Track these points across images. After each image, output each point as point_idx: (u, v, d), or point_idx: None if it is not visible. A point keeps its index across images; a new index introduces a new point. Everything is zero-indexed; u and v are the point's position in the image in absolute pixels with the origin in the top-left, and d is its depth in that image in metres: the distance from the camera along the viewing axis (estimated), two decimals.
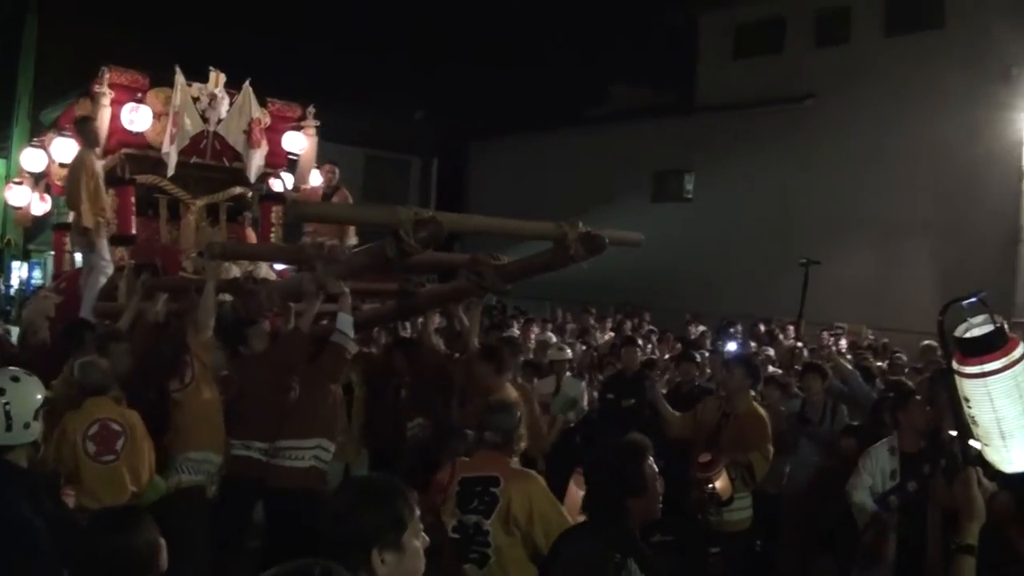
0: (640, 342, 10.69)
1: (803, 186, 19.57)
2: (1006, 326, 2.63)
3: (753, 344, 12.64)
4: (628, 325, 14.83)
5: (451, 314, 7.36)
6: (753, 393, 6.74)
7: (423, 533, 2.51)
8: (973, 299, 2.65)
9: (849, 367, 8.57)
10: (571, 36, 29.67)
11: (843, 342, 12.18)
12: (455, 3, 29.20)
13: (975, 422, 2.62)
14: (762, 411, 6.50)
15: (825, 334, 12.03)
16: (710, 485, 5.91)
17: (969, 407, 2.61)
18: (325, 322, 6.64)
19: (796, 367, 9.06)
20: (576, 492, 4.60)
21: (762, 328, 14.08)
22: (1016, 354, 2.57)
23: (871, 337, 13.98)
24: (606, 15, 28.25)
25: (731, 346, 12.09)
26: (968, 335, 2.61)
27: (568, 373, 9.36)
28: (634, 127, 23.92)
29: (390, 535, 2.39)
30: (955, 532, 2.66)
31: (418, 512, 2.51)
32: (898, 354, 11.12)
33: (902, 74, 18.44)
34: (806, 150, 19.62)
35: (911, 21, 19.27)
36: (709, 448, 6.16)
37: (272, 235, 10.34)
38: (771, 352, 11.12)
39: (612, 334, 14.18)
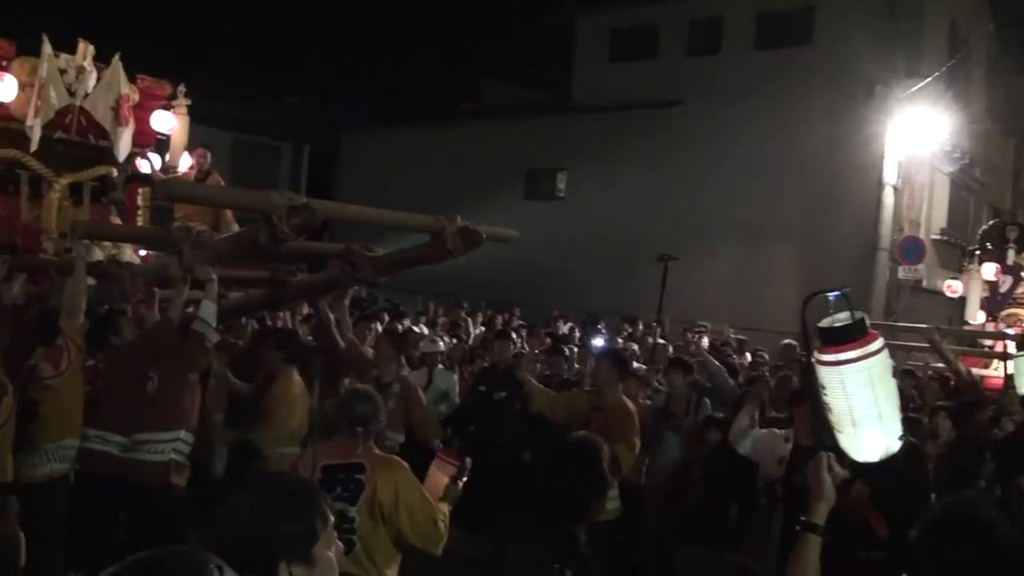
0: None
1: (671, 189, 19.99)
2: (867, 320, 2.72)
3: (619, 340, 12.90)
4: (499, 320, 14.90)
5: (317, 305, 7.25)
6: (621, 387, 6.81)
7: (337, 540, 2.37)
8: (837, 293, 2.73)
9: (715, 363, 8.79)
10: (448, 30, 29.62)
11: (705, 340, 12.50)
12: None
13: (830, 409, 2.71)
14: (630, 404, 6.54)
15: (689, 334, 12.38)
16: None
17: (825, 394, 2.70)
18: (191, 309, 6.32)
19: (659, 363, 9.27)
20: (437, 475, 4.56)
21: (627, 327, 14.37)
22: (872, 347, 2.66)
23: (732, 336, 14.40)
24: (484, 11, 28.30)
25: (597, 341, 12.28)
26: (824, 325, 2.71)
27: (440, 366, 9.34)
28: (509, 124, 24.05)
29: (300, 547, 2.22)
30: (803, 510, 2.74)
31: (332, 519, 2.35)
32: (760, 352, 11.46)
33: (770, 86, 19.04)
34: (675, 154, 20.03)
35: (780, 37, 20.03)
36: None
37: (138, 218, 9.88)
38: (635, 348, 11.36)
39: (483, 328, 14.21)
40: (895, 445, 2.77)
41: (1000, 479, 6.44)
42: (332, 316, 6.99)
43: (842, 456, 2.79)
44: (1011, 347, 8.84)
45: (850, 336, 2.66)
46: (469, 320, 14.54)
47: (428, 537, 4.28)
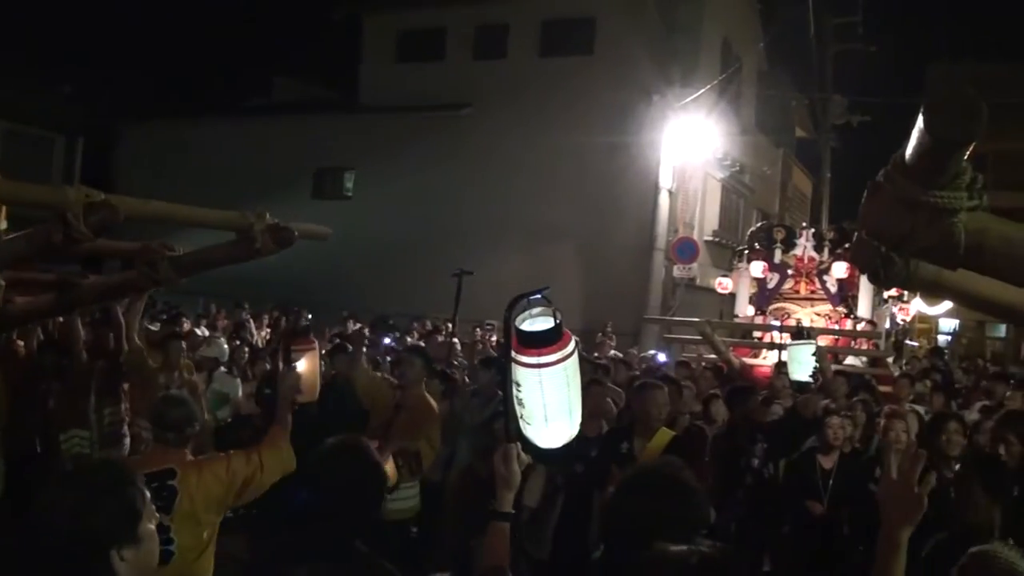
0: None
1: (460, 190, 20.18)
2: (561, 321, 2.78)
3: (409, 339, 12.89)
4: (284, 322, 14.53)
5: (110, 310, 6.85)
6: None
7: (154, 510, 2.27)
8: (537, 295, 2.79)
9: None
10: (235, 23, 28.76)
11: (494, 338, 12.71)
12: None
13: (522, 404, 2.79)
14: (432, 401, 6.52)
15: (478, 330, 12.57)
16: None
17: (519, 391, 2.78)
18: None
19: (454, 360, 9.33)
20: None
21: (415, 325, 14.39)
22: (568, 349, 2.76)
23: None
24: (272, 5, 27.64)
25: (387, 340, 12.23)
26: (529, 328, 2.75)
27: (222, 369, 9.04)
28: (296, 121, 23.63)
29: (127, 529, 2.12)
30: (494, 499, 2.88)
31: (147, 492, 2.24)
32: None
33: (554, 92, 19.58)
34: (463, 156, 20.24)
35: (564, 45, 20.68)
36: (380, 435, 6.13)
37: None
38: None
39: (268, 331, 13.83)
40: (575, 431, 2.88)
41: (770, 456, 6.87)
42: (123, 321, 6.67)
43: (527, 444, 2.90)
44: (786, 338, 9.48)
45: (550, 340, 2.72)
46: (252, 322, 14.13)
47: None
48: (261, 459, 4.39)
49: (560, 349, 2.74)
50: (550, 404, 2.77)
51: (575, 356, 2.81)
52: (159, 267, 5.47)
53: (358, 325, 14.69)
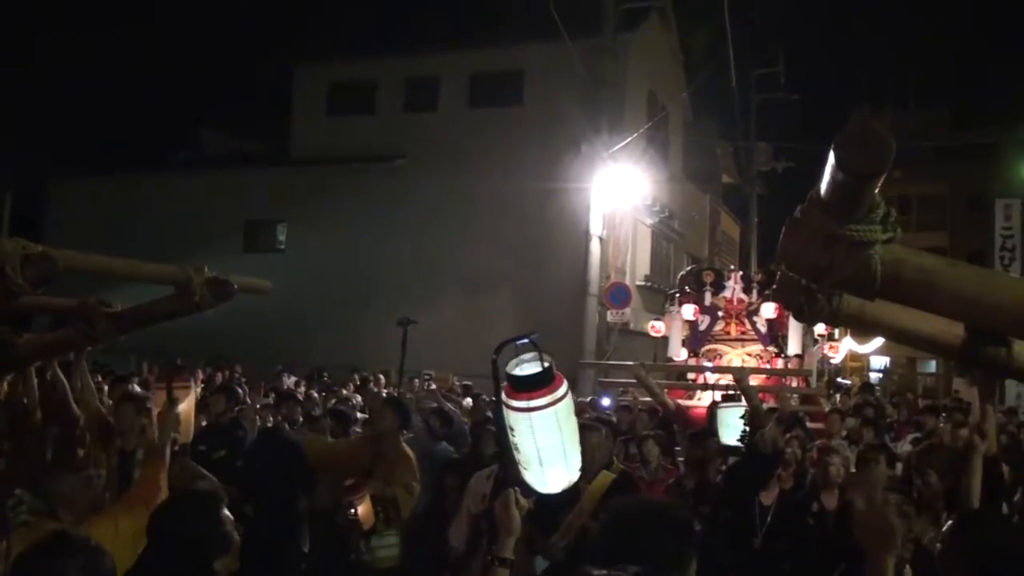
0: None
1: (393, 241, 20.25)
2: (553, 366, 2.81)
3: (344, 391, 12.84)
4: (219, 377, 14.32)
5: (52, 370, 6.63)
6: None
7: None
8: (525, 340, 2.81)
9: (450, 406, 8.98)
10: (161, 77, 28.58)
11: (432, 387, 12.73)
12: (35, 30, 26.95)
13: (517, 449, 2.81)
14: (408, 450, 6.44)
15: (417, 381, 12.58)
16: (352, 510, 5.79)
17: (513, 436, 2.78)
18: None
19: None
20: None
21: (356, 377, 14.31)
22: (559, 392, 2.78)
23: (456, 383, 14.65)
24: (198, 58, 27.59)
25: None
26: (518, 372, 2.78)
27: None
28: (226, 175, 23.55)
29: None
30: (495, 544, 2.87)
31: None
32: (482, 396, 11.75)
33: (485, 143, 19.83)
34: (397, 207, 20.33)
35: (493, 97, 21.05)
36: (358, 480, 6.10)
37: None
38: (359, 399, 11.46)
39: (202, 386, 13.60)
40: (575, 476, 2.91)
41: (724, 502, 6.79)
42: (67, 382, 6.48)
43: (527, 490, 2.91)
44: (721, 378, 9.60)
45: (540, 383, 2.74)
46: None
47: None
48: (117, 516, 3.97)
49: (550, 393, 2.75)
50: (543, 448, 2.77)
51: (567, 399, 2.81)
52: (97, 324, 5.39)
53: (292, 379, 14.56)
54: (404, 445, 6.50)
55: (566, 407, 2.80)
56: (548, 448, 2.78)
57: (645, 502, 2.74)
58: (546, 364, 2.76)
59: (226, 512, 3.17)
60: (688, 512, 2.81)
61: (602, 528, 2.66)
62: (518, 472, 2.87)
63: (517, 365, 2.79)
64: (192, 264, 5.11)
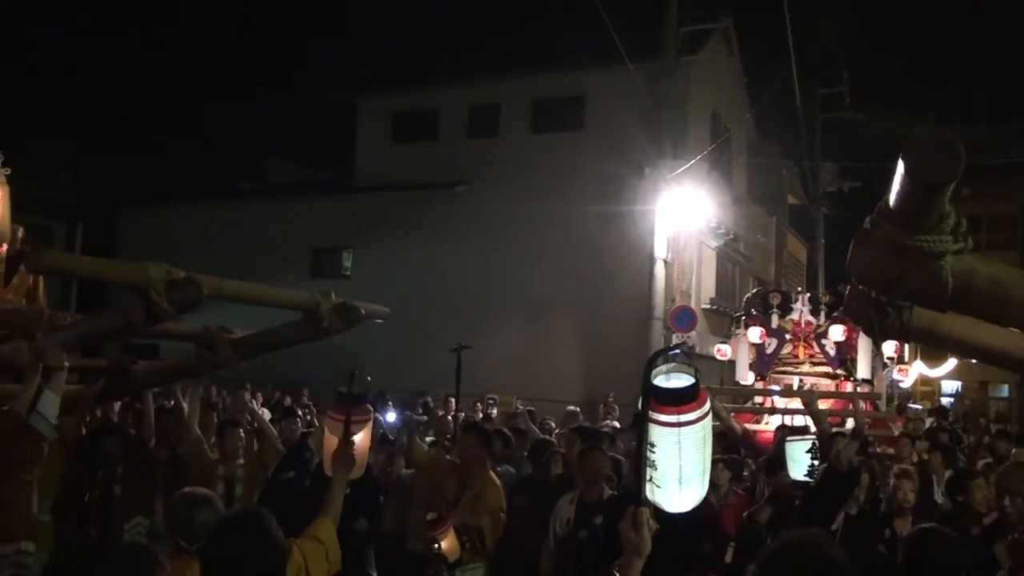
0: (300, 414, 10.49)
1: (457, 266, 20.36)
2: (699, 377, 2.71)
3: (408, 414, 12.92)
4: (287, 400, 14.52)
5: (173, 395, 6.79)
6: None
7: None
8: (676, 351, 2.76)
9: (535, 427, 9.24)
10: (229, 109, 29.21)
11: (494, 411, 12.77)
12: (108, 65, 27.78)
13: (655, 467, 2.69)
14: (497, 480, 6.42)
15: (479, 404, 12.63)
16: (436, 544, 5.70)
17: (653, 452, 2.67)
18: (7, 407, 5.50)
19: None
20: (330, 439, 4.47)
21: (423, 400, 14.41)
22: (706, 407, 2.69)
23: (520, 407, 14.65)
24: (265, 91, 28.15)
25: (390, 416, 12.19)
26: (669, 385, 2.67)
27: None
28: (293, 203, 23.95)
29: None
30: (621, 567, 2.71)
31: None
32: (547, 420, 11.74)
33: (547, 167, 19.86)
34: (459, 233, 20.46)
35: (554, 122, 21.12)
36: (442, 508, 6.07)
37: None
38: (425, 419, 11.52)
39: (264, 409, 13.77)
40: (705, 493, 2.81)
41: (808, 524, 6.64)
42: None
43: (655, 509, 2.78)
44: (789, 403, 9.44)
45: (691, 397, 2.65)
46: (255, 402, 14.07)
47: None
48: (304, 558, 3.53)
49: (700, 407, 2.67)
50: (687, 465, 2.66)
51: (711, 415, 2.73)
52: (219, 350, 5.45)
53: None
54: (491, 472, 6.46)
55: (710, 423, 2.72)
56: (691, 465, 2.68)
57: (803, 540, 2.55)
58: (696, 376, 2.66)
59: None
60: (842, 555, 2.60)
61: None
62: (644, 492, 2.72)
63: (664, 378, 2.69)
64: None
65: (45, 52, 28.46)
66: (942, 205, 2.04)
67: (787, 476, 6.72)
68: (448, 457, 7.16)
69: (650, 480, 2.70)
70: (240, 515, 3.13)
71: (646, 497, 2.72)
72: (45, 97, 27.97)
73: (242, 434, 7.62)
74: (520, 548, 6.43)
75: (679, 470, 2.67)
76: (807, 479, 6.50)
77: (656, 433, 2.66)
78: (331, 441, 4.28)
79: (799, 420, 9.71)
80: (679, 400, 2.65)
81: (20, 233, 9.45)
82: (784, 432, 8.45)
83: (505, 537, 6.36)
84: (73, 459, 6.59)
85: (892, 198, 2.07)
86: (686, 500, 2.75)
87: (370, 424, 4.72)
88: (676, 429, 2.64)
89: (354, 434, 4.30)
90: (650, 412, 2.67)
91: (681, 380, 2.68)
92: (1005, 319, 2.34)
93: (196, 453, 6.73)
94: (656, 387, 2.64)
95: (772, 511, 6.34)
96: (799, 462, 6.66)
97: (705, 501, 2.88)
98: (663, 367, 2.68)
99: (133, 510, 6.54)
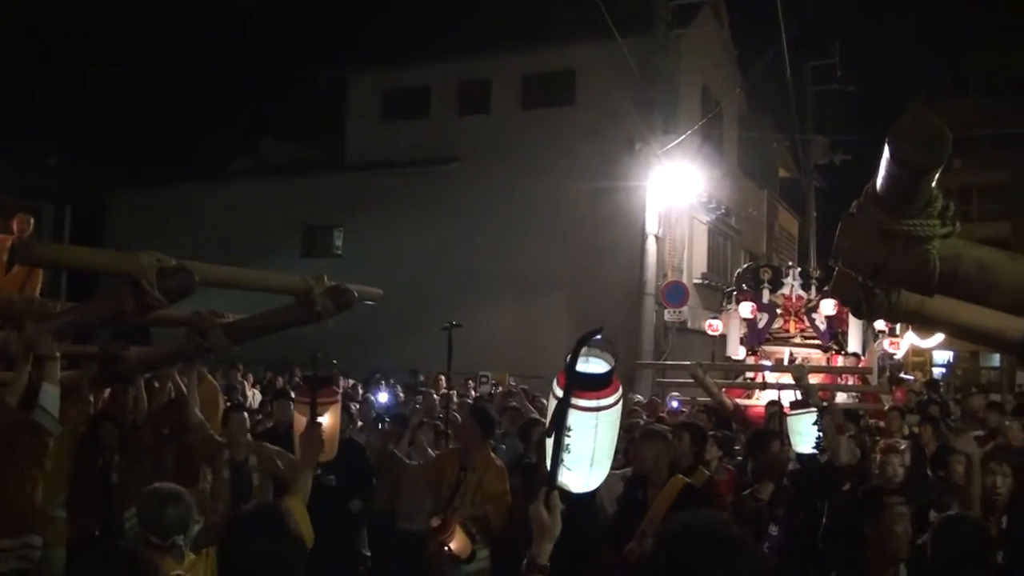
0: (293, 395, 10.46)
1: (449, 243, 20.34)
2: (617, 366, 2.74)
3: (400, 394, 12.94)
4: (279, 381, 14.51)
5: (164, 380, 6.76)
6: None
7: None
8: (597, 337, 2.71)
9: (532, 409, 9.33)
10: (219, 88, 29.04)
11: (489, 390, 12.80)
12: (93, 49, 27.56)
13: (568, 450, 2.68)
14: (499, 462, 6.35)
15: (471, 382, 12.64)
16: (446, 548, 5.64)
17: (569, 436, 2.66)
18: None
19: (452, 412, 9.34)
20: (299, 420, 4.44)
21: (419, 379, 14.43)
22: (620, 391, 2.72)
23: (513, 384, 14.68)
24: (254, 70, 27.97)
25: (381, 396, 12.22)
26: (589, 370, 2.68)
27: None
28: (283, 182, 23.88)
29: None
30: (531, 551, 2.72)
31: None
32: (539, 398, 11.73)
33: (538, 144, 19.82)
34: (451, 210, 20.43)
35: (545, 98, 21.00)
36: (444, 507, 6.02)
37: None
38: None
39: (256, 390, 13.80)
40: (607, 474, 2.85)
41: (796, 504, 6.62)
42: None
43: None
44: (780, 377, 9.46)
45: (608, 382, 2.67)
46: (246, 383, 14.09)
47: None
48: None
49: (616, 391, 2.70)
50: (600, 447, 2.70)
51: (621, 400, 2.77)
52: (211, 335, 5.43)
53: (349, 382, 14.68)
54: (492, 455, 6.38)
55: (621, 406, 2.75)
56: (604, 447, 2.72)
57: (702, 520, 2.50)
58: (612, 363, 2.68)
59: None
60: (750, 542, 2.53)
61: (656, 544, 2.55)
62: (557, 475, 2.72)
63: (584, 363, 2.68)
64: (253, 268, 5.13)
65: (35, 34, 28.07)
66: (929, 189, 2.03)
67: (785, 450, 6.65)
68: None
69: (561, 462, 2.71)
70: (257, 510, 3.12)
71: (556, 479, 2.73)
72: (33, 83, 27.76)
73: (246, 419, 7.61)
74: (519, 529, 6.43)
75: (592, 452, 2.71)
76: (815, 451, 6.43)
77: (575, 417, 2.66)
78: (300, 423, 4.27)
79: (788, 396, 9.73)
80: (598, 386, 2.67)
81: (31, 223, 9.36)
82: (776, 407, 8.43)
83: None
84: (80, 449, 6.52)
85: (878, 182, 2.07)
86: (594, 480, 2.79)
87: (337, 405, 4.73)
88: (595, 414, 2.67)
89: (320, 415, 4.28)
90: (572, 398, 2.67)
91: (600, 366, 2.70)
92: (992, 303, 2.34)
93: (201, 436, 6.63)
94: (575, 373, 2.64)
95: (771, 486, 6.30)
96: (804, 435, 6.54)
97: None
98: (585, 352, 2.68)
99: (132, 498, 6.51)
